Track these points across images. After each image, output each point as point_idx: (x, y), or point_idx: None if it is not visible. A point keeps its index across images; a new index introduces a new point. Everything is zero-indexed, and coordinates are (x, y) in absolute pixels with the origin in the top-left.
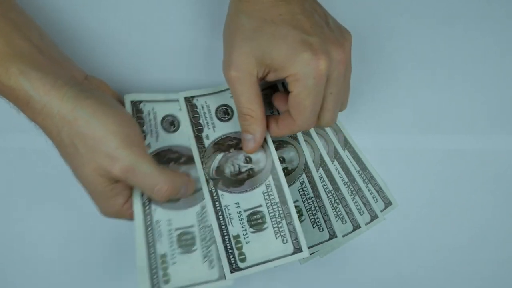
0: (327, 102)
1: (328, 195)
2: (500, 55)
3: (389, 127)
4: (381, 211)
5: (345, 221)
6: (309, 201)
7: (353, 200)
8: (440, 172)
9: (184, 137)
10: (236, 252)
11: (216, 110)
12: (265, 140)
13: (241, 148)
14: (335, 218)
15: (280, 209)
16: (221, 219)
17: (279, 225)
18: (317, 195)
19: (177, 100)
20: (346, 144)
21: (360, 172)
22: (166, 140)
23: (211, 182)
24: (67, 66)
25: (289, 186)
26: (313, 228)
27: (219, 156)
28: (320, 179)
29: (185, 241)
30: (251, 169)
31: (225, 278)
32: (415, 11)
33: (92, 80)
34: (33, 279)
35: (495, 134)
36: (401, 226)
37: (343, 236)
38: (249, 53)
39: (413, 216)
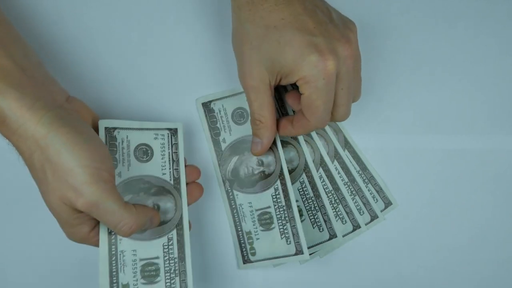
0: (339, 98)
1: (328, 195)
2: (500, 55)
3: (389, 127)
4: (381, 211)
5: (345, 221)
6: (309, 201)
7: (353, 200)
8: (440, 172)
9: (157, 167)
10: (248, 247)
11: (232, 113)
12: (275, 145)
13: None
14: (335, 218)
15: (285, 212)
16: (236, 216)
17: (284, 227)
18: (317, 195)
19: (152, 129)
20: (346, 144)
21: (360, 172)
22: (138, 169)
23: (227, 183)
24: (49, 87)
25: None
26: (313, 228)
27: (235, 158)
28: (320, 179)
29: (149, 272)
30: (263, 171)
31: None
32: (415, 11)
33: (73, 102)
34: (34, 279)
35: (495, 134)
36: (401, 226)
37: (343, 236)
38: (259, 63)
39: (413, 216)
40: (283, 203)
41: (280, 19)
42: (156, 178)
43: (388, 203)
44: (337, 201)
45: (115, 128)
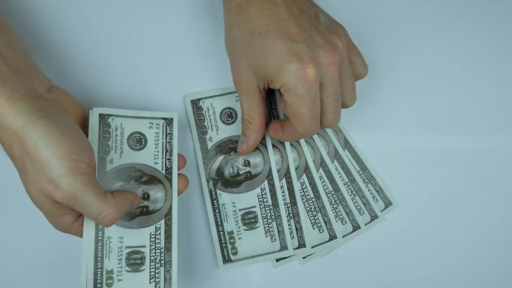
0: (326, 105)
1: (328, 195)
2: (500, 55)
3: (389, 127)
4: (381, 211)
5: (345, 221)
6: (309, 202)
7: (353, 200)
8: (440, 172)
9: (149, 156)
10: (229, 246)
11: (221, 113)
12: (265, 147)
13: None
14: (335, 218)
15: (272, 211)
16: (218, 216)
17: (270, 226)
18: (317, 196)
19: (147, 118)
20: (346, 144)
21: (360, 172)
22: (130, 157)
23: (211, 182)
24: (30, 76)
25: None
26: (313, 229)
27: (220, 158)
28: (320, 180)
29: (134, 260)
30: (249, 172)
31: None
32: (414, 11)
33: (56, 92)
34: (34, 278)
35: (495, 134)
36: (401, 226)
37: (343, 237)
38: (246, 67)
39: (413, 216)
40: (270, 202)
41: (264, 25)
42: (148, 167)
43: (388, 203)
44: (337, 201)
45: (109, 115)
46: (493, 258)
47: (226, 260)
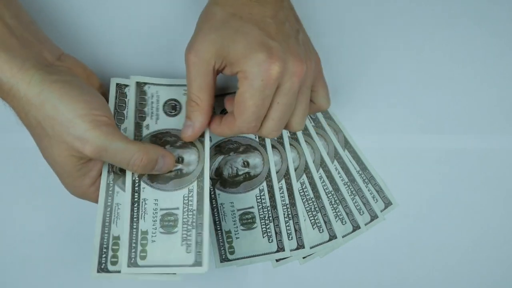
0: (272, 110)
1: (328, 195)
2: (500, 55)
3: (389, 127)
4: (381, 211)
5: (345, 221)
6: (309, 202)
7: (353, 200)
8: (440, 172)
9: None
10: (227, 245)
11: (221, 113)
12: (264, 148)
13: (240, 152)
14: (335, 218)
15: (270, 212)
16: (216, 215)
17: (267, 227)
18: (317, 196)
19: (182, 85)
20: (346, 144)
21: (360, 172)
22: (166, 123)
23: (210, 181)
24: (38, 46)
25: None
26: (313, 229)
27: (219, 158)
28: (320, 180)
29: (168, 222)
30: (248, 172)
31: (201, 265)
32: (414, 11)
33: (66, 60)
34: (34, 278)
35: (495, 134)
36: (401, 226)
37: (343, 237)
38: (211, 42)
39: (413, 216)
40: (268, 204)
41: (248, 13)
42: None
43: (388, 203)
44: (337, 201)
45: (145, 83)
46: (493, 258)
47: (224, 259)
